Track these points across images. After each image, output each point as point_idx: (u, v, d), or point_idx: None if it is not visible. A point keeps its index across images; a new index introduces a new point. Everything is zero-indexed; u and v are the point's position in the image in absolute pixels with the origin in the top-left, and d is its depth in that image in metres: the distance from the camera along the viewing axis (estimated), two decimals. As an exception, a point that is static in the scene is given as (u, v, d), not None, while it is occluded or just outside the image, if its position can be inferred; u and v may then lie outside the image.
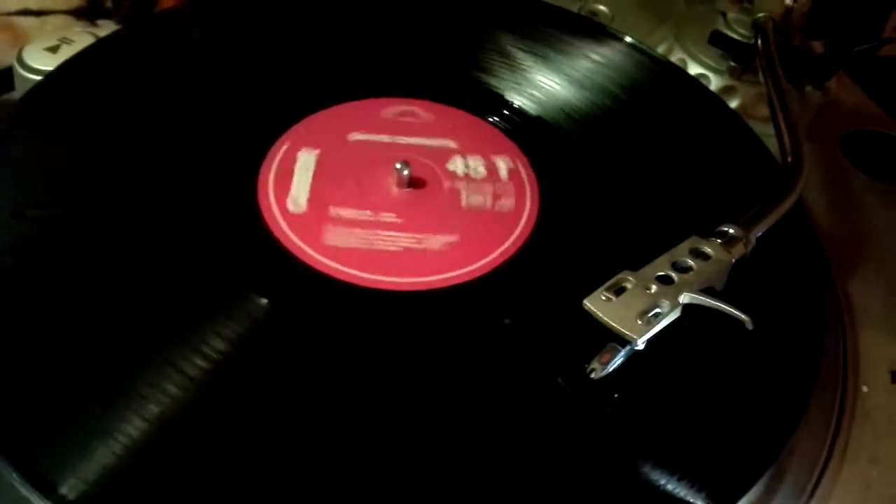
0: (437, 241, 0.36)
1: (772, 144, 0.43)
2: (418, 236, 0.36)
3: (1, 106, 0.56)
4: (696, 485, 0.29)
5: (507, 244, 0.36)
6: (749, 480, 0.30)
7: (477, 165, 0.39)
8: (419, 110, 0.42)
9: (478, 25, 0.48)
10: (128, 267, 0.33)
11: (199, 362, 0.30)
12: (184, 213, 0.36)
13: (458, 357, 0.32)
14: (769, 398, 0.32)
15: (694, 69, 0.50)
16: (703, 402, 0.32)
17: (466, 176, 0.39)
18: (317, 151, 0.39)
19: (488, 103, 0.43)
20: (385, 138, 0.40)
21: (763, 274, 0.35)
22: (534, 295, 0.35)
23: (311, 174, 0.38)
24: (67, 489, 0.26)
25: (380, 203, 0.37)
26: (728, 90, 0.49)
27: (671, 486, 0.29)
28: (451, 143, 0.40)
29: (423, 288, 0.34)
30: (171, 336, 0.31)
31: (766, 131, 0.46)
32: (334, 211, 0.36)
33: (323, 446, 0.29)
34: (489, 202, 0.38)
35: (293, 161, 0.38)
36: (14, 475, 0.26)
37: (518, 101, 0.43)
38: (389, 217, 0.36)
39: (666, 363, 0.31)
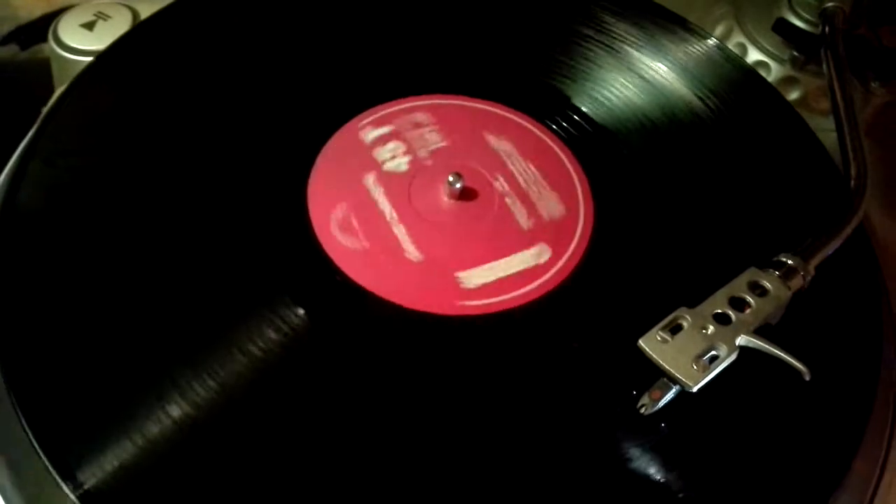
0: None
1: (827, 139, 0.42)
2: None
3: (32, 59, 0.55)
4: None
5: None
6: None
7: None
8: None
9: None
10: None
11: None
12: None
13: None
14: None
15: (754, 55, 0.47)
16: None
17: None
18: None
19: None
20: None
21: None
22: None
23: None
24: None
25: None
26: (788, 81, 0.47)
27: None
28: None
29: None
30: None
31: (824, 126, 0.45)
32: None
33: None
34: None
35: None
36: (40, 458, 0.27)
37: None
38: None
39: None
